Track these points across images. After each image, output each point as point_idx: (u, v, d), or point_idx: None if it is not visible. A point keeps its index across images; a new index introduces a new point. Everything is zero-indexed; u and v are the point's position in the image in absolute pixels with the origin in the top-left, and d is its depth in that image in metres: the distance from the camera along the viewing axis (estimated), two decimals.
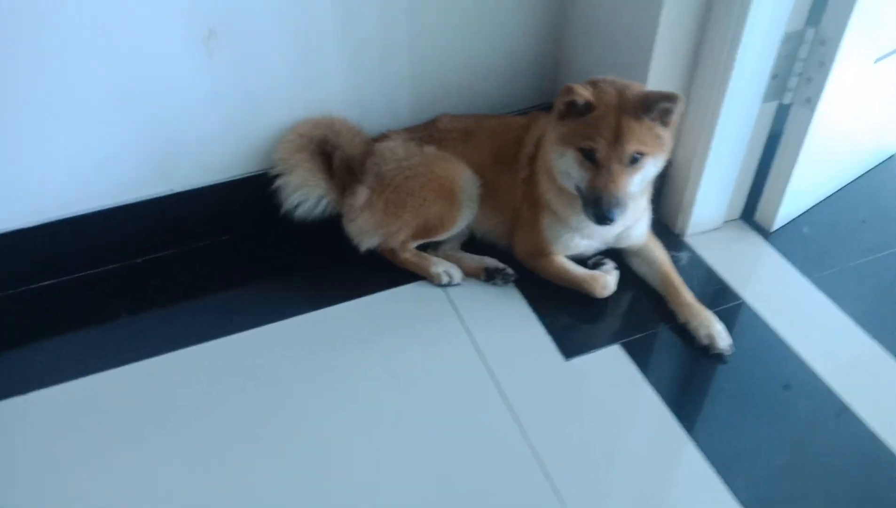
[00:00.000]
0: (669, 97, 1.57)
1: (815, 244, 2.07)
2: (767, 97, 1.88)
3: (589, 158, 1.64)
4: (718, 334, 1.75)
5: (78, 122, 1.74)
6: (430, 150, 1.93)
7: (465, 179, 1.90)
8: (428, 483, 1.48)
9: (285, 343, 1.79)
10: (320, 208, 1.99)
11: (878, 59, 1.92)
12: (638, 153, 1.62)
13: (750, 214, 2.15)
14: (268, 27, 1.78)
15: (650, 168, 1.67)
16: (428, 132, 2.00)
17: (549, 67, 2.21)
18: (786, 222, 2.13)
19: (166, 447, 1.57)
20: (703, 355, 1.75)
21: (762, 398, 1.68)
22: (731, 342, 1.75)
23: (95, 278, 1.96)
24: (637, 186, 1.69)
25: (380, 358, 1.74)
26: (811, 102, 1.85)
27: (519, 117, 1.99)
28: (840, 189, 2.26)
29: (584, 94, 1.60)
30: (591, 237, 1.86)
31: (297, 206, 1.97)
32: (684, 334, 1.80)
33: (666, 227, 2.10)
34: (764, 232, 2.11)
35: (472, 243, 2.03)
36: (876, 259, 2.02)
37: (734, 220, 2.15)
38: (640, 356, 1.75)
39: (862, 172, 2.32)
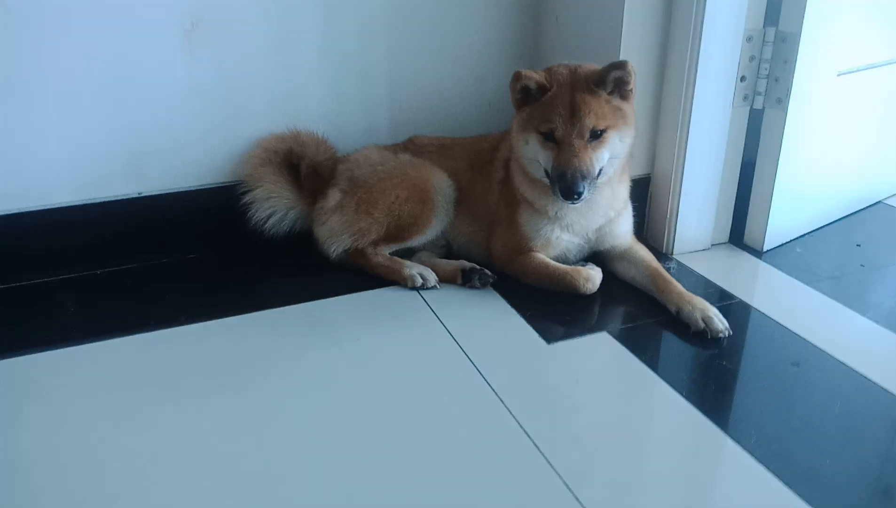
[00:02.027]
0: (618, 65, 1.59)
1: (810, 260, 1.98)
2: (737, 101, 1.90)
3: (550, 138, 1.63)
4: (715, 315, 1.61)
5: (54, 111, 1.74)
6: (405, 156, 1.92)
7: (439, 181, 1.87)
8: (422, 475, 1.24)
9: (254, 335, 1.64)
10: (289, 220, 1.95)
11: (841, 73, 1.97)
12: (598, 127, 1.60)
13: (739, 238, 2.08)
14: (250, 25, 1.84)
15: (615, 143, 1.64)
16: (404, 146, 2.00)
17: None
18: (777, 244, 2.05)
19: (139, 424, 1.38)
20: (699, 340, 1.60)
21: (770, 373, 1.51)
22: (728, 326, 1.60)
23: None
24: (606, 162, 1.65)
25: (355, 354, 1.56)
26: (782, 103, 1.86)
27: (494, 134, 2.01)
28: (828, 224, 2.20)
29: (533, 76, 1.63)
30: (571, 230, 1.78)
31: (267, 218, 1.92)
32: (677, 324, 1.65)
33: (653, 248, 2.01)
34: (755, 252, 2.02)
35: (449, 256, 1.93)
36: (877, 271, 1.92)
37: (723, 243, 2.07)
38: (631, 341, 1.60)
39: (850, 212, 2.28)
